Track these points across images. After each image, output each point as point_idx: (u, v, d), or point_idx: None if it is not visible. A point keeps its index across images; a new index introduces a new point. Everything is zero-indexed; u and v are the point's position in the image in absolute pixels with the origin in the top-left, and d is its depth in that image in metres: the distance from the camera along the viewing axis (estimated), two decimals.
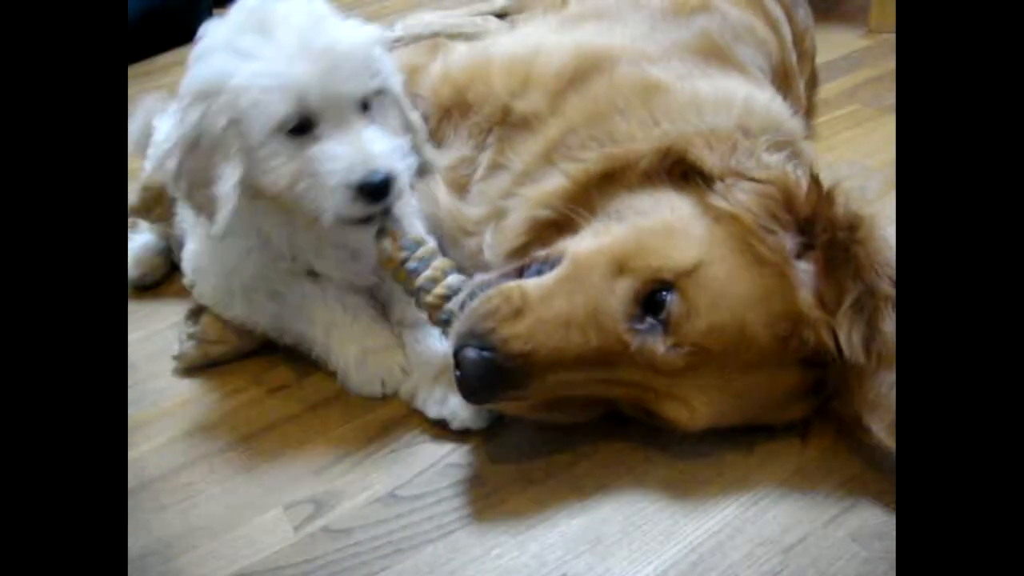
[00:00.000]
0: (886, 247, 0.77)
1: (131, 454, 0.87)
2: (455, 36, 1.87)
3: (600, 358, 0.73)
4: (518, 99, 0.96)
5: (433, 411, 0.85)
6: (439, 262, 0.83)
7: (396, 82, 0.87)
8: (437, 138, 1.04)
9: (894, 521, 0.72)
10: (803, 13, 1.36)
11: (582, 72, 0.93)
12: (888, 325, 0.74)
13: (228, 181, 0.79)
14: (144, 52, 2.08)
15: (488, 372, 0.72)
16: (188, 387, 0.96)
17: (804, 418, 0.81)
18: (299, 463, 0.84)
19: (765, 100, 0.91)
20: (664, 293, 0.73)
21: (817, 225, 0.77)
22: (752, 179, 0.78)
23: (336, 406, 0.91)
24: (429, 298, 0.81)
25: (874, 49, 1.68)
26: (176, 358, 0.98)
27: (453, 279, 0.82)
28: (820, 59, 1.56)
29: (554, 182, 0.85)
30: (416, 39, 1.88)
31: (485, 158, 0.98)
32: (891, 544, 0.71)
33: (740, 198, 0.77)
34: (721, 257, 0.74)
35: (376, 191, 0.79)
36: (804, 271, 0.76)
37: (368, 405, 0.90)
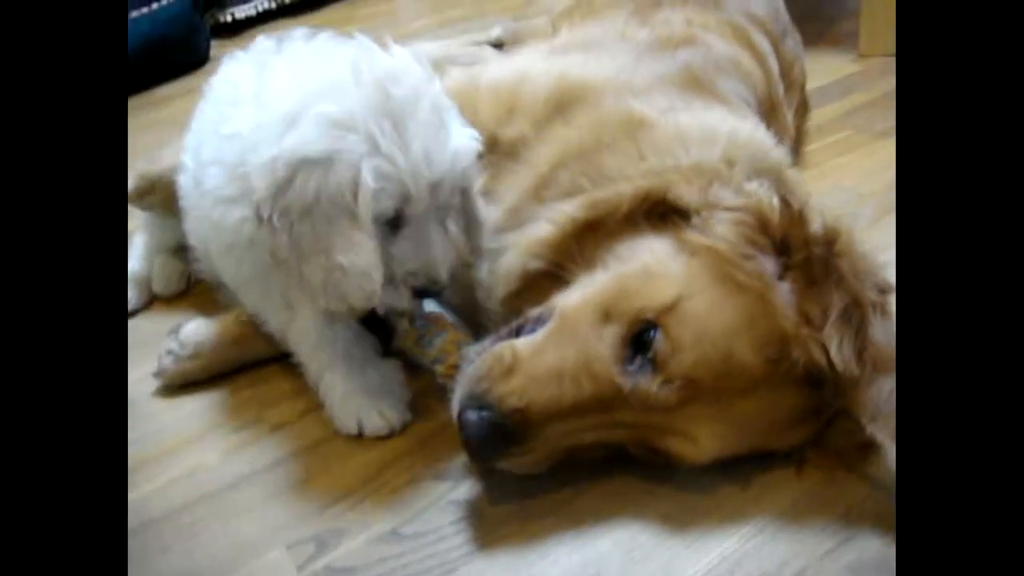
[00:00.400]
0: (866, 256, 0.79)
1: (133, 494, 0.87)
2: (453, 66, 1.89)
3: (596, 404, 0.74)
4: (504, 127, 0.98)
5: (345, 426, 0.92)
6: (451, 334, 0.88)
7: (477, 184, 0.90)
8: None
9: (891, 553, 0.73)
10: (792, 43, 1.38)
11: (567, 101, 0.96)
12: (878, 333, 0.75)
13: (366, 251, 0.79)
14: (143, 84, 2.10)
15: (489, 431, 0.74)
16: (190, 426, 0.96)
17: (807, 442, 0.81)
18: (301, 501, 0.85)
19: (748, 131, 0.92)
20: (650, 332, 0.74)
21: (794, 245, 0.78)
22: (726, 208, 0.80)
23: (337, 444, 0.91)
24: (442, 368, 0.85)
25: (865, 73, 1.70)
26: (156, 374, 1.01)
27: (466, 350, 0.84)
28: (812, 84, 1.57)
29: (543, 229, 0.86)
30: None
31: (478, 182, 0.99)
32: None
33: (716, 229, 0.79)
34: (701, 290, 0.75)
35: (428, 294, 0.85)
36: (787, 291, 0.77)
37: (370, 443, 0.91)
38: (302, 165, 0.76)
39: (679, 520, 0.78)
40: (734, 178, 0.83)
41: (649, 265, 0.79)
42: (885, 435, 0.73)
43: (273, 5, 2.51)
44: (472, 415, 0.74)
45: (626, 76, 0.98)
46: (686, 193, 0.82)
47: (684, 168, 0.84)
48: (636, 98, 0.93)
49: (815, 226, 0.78)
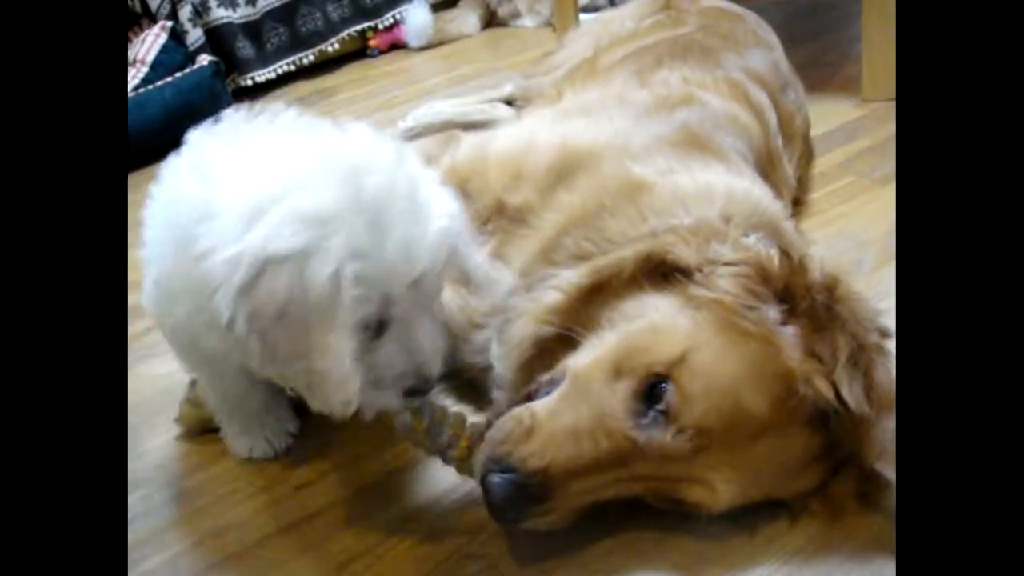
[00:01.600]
0: (865, 301, 0.83)
1: (165, 554, 0.92)
2: (465, 124, 1.96)
3: (614, 459, 0.77)
4: (511, 194, 1.04)
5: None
6: (453, 418, 0.87)
7: (470, 244, 0.85)
8: None
9: None
10: (793, 96, 1.42)
11: (568, 168, 1.01)
12: (882, 374, 0.78)
13: (342, 355, 0.72)
14: (167, 150, 2.17)
15: (513, 492, 0.77)
16: (218, 487, 1.00)
17: (814, 489, 0.84)
18: (326, 558, 0.88)
19: (745, 187, 0.96)
20: (661, 385, 0.77)
21: (796, 293, 0.82)
22: (727, 263, 0.84)
23: (359, 501, 0.95)
24: (455, 452, 0.86)
25: (868, 118, 1.74)
26: (176, 421, 1.09)
27: (471, 429, 0.86)
28: (817, 131, 1.62)
29: (550, 297, 0.90)
30: (427, 128, 1.98)
31: (487, 246, 1.04)
32: None
33: (719, 283, 0.82)
34: (707, 341, 0.79)
35: (420, 392, 0.82)
36: (791, 335, 0.81)
37: (391, 498, 0.94)
38: (270, 263, 0.69)
39: (689, 569, 0.81)
40: (731, 234, 0.87)
41: (656, 322, 0.82)
42: (892, 472, 0.77)
43: (292, 68, 2.59)
44: (496, 478, 0.77)
45: (624, 139, 1.03)
46: (684, 253, 0.85)
47: (682, 228, 0.88)
48: (634, 161, 0.97)
49: (815, 274, 0.82)
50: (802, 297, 0.81)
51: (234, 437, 1.02)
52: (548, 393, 0.83)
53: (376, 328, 0.76)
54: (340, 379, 0.74)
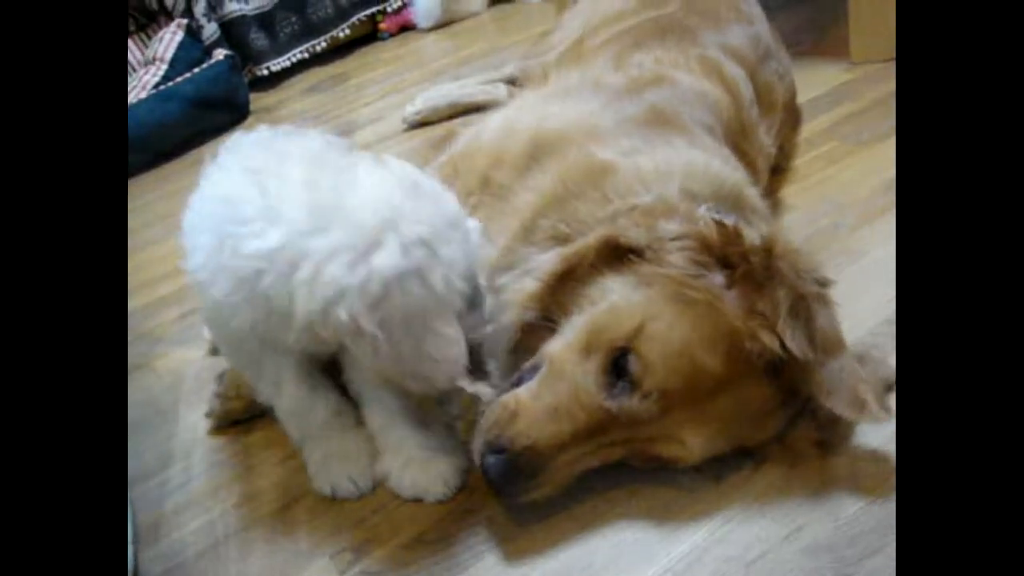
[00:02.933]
0: (803, 255, 0.90)
1: (201, 519, 1.03)
2: (469, 106, 2.04)
3: (592, 429, 0.87)
4: (494, 172, 1.14)
5: (407, 494, 0.99)
6: (465, 395, 1.02)
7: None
8: None
9: (841, 536, 0.85)
10: (775, 66, 1.47)
11: (540, 151, 1.10)
12: (823, 320, 0.86)
13: (458, 340, 0.88)
14: (189, 144, 2.27)
15: (506, 470, 0.86)
16: (246, 458, 1.12)
17: (776, 437, 0.93)
18: (341, 516, 0.99)
19: (703, 160, 1.04)
20: (625, 357, 0.86)
21: (732, 259, 0.90)
22: (672, 239, 0.91)
23: None
24: (463, 424, 1.00)
25: (856, 82, 1.78)
26: (207, 415, 1.16)
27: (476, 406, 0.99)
28: (806, 96, 1.67)
29: (530, 285, 0.98)
30: (434, 111, 2.07)
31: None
32: (836, 555, 0.83)
33: (667, 259, 0.90)
34: (660, 312, 0.87)
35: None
36: (734, 297, 0.88)
37: None
38: (402, 279, 0.82)
39: (659, 515, 0.91)
40: (681, 207, 0.94)
41: (615, 302, 0.91)
42: (841, 408, 0.85)
43: (306, 55, 2.68)
44: (491, 459, 0.87)
45: (593, 123, 1.11)
46: (635, 235, 0.93)
47: (639, 209, 0.96)
48: (599, 144, 1.05)
49: (752, 238, 0.90)
50: (738, 262, 0.89)
51: (315, 469, 1.02)
52: (531, 378, 0.92)
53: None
54: (456, 359, 0.89)
